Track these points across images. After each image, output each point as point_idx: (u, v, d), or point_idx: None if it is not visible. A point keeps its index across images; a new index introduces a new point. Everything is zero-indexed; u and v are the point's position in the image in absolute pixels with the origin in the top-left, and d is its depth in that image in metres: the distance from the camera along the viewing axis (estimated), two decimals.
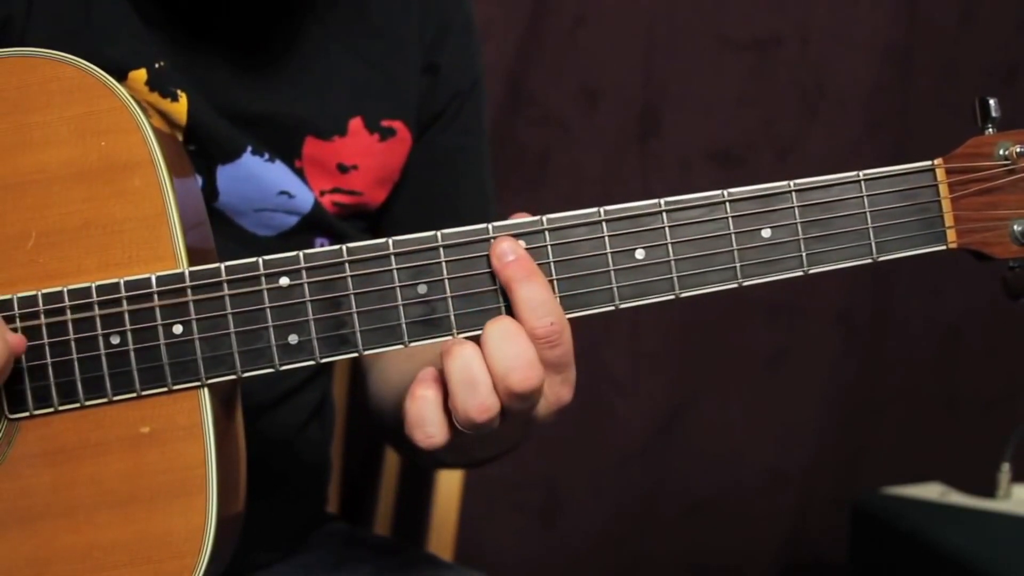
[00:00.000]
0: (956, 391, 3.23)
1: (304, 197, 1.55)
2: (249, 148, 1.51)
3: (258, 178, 1.52)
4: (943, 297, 3.16)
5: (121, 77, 1.44)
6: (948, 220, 1.30)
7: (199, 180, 1.46)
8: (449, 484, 2.05)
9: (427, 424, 1.27)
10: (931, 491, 2.62)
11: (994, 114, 1.31)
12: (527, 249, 1.26)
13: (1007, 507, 2.52)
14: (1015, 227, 1.30)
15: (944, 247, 1.31)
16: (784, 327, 3.08)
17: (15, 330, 1.25)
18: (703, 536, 3.11)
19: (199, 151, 1.48)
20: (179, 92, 1.47)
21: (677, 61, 2.96)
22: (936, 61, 3.08)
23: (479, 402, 1.23)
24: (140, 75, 1.45)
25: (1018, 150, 1.29)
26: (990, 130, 1.31)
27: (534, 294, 1.24)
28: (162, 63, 1.46)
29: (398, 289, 1.26)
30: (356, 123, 1.58)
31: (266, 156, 1.52)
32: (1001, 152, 1.30)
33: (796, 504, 3.16)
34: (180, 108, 1.47)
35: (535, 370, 1.23)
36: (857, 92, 3.06)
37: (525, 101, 2.87)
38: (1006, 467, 2.55)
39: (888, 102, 3.06)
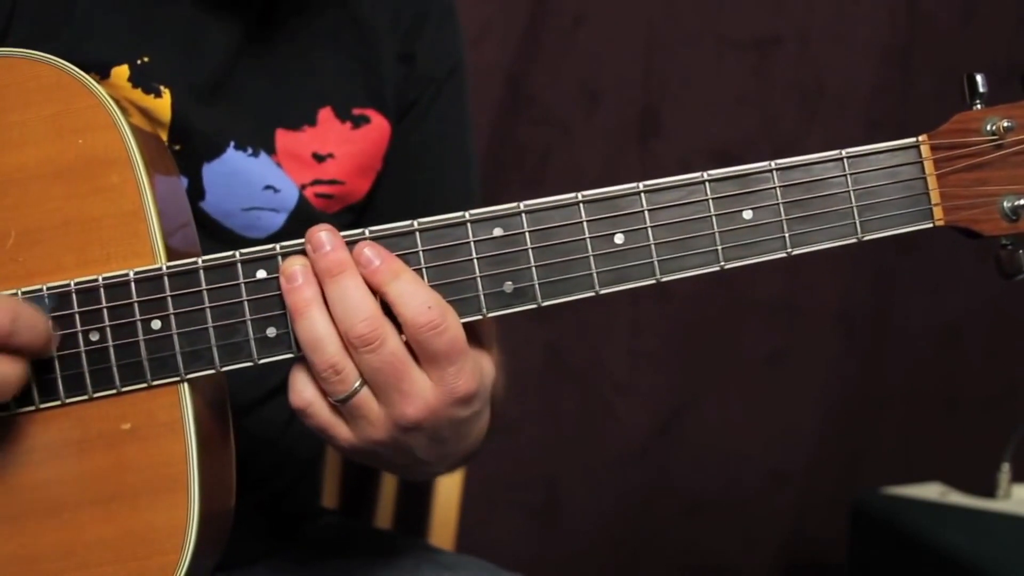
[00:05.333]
0: (956, 391, 3.22)
1: (289, 191, 1.56)
2: (232, 143, 1.51)
3: (243, 173, 1.52)
4: (943, 297, 3.16)
5: (104, 74, 1.44)
6: (934, 197, 1.28)
7: (184, 181, 1.46)
8: (449, 484, 2.05)
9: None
10: (931, 491, 2.62)
11: (981, 89, 1.28)
12: (506, 236, 1.26)
13: (1007, 507, 2.51)
14: (1004, 203, 1.28)
15: (931, 224, 1.28)
16: (784, 327, 3.08)
17: None
18: (703, 536, 3.11)
19: (184, 150, 1.48)
20: (162, 88, 1.47)
21: (677, 61, 2.96)
22: (936, 61, 3.07)
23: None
24: (123, 71, 1.46)
25: (1006, 124, 1.27)
26: (978, 105, 1.28)
27: (407, 287, 1.23)
28: (145, 59, 1.47)
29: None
30: (325, 112, 1.58)
31: (249, 151, 1.52)
32: (988, 127, 1.27)
33: (796, 504, 3.15)
34: (164, 104, 1.47)
35: (376, 320, 1.23)
36: (857, 92, 3.05)
37: (525, 101, 2.88)
38: (1006, 467, 2.54)
39: (888, 102, 3.06)
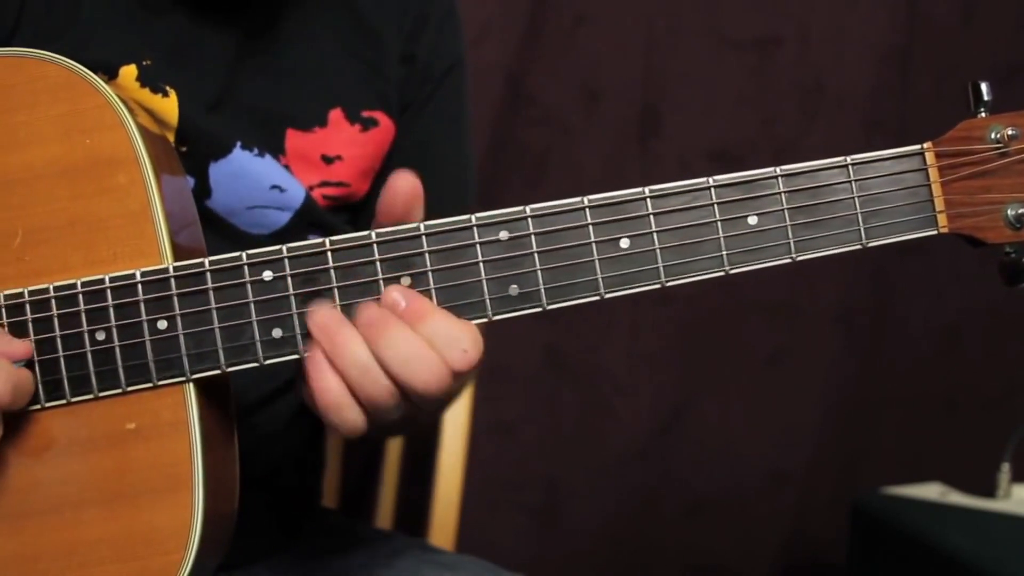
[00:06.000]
0: (956, 391, 3.22)
1: (295, 191, 1.56)
2: (239, 143, 1.51)
3: (250, 173, 1.52)
4: (943, 297, 3.16)
5: (112, 74, 1.45)
6: (939, 204, 1.28)
7: (191, 181, 1.47)
8: (449, 484, 2.05)
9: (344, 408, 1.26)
10: (931, 491, 2.62)
11: (986, 97, 1.29)
12: (512, 239, 1.26)
13: (1007, 507, 2.51)
14: (1009, 211, 1.28)
15: (935, 232, 1.29)
16: (784, 327, 3.08)
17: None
18: (703, 536, 3.10)
19: (191, 151, 1.48)
20: (169, 88, 1.47)
21: (677, 61, 2.95)
22: (936, 61, 3.07)
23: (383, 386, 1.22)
24: (130, 71, 1.46)
25: (1010, 132, 1.27)
26: (982, 113, 1.29)
27: (438, 329, 1.23)
28: (151, 60, 1.47)
29: (381, 281, 1.25)
30: (336, 114, 1.59)
31: (256, 151, 1.53)
32: (993, 135, 1.28)
33: (796, 504, 3.15)
34: (170, 104, 1.47)
35: (438, 368, 1.22)
36: (857, 92, 3.05)
37: (525, 101, 2.87)
38: (1006, 467, 2.55)
39: (888, 102, 3.06)
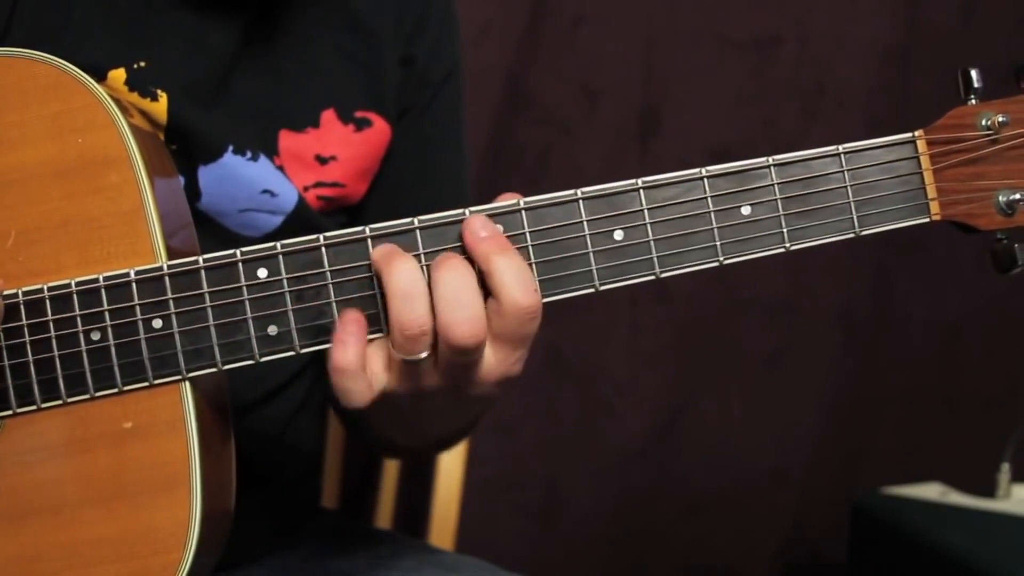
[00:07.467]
0: (956, 391, 3.21)
1: (288, 195, 1.55)
2: (231, 147, 1.51)
3: (240, 177, 1.52)
4: (943, 297, 3.15)
5: (100, 77, 1.44)
6: (931, 192, 1.30)
7: (181, 180, 1.47)
8: (449, 484, 2.06)
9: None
10: (931, 491, 2.62)
11: (976, 84, 1.31)
12: (507, 233, 1.26)
13: (1007, 507, 2.51)
14: (1000, 198, 1.30)
15: (927, 219, 1.30)
16: (784, 326, 3.08)
17: None
18: (703, 536, 3.10)
19: (180, 150, 1.48)
20: (159, 92, 1.47)
21: (677, 61, 2.95)
22: (936, 61, 3.07)
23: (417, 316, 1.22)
24: (119, 75, 1.46)
25: (1000, 119, 1.29)
26: (973, 101, 1.30)
27: (516, 265, 1.23)
28: (142, 63, 1.47)
29: (375, 277, 1.26)
30: (328, 115, 1.58)
31: (248, 155, 1.52)
32: (984, 122, 1.30)
33: (796, 504, 3.15)
34: (160, 108, 1.47)
35: (480, 325, 1.23)
36: (857, 92, 3.05)
37: (525, 101, 2.87)
38: (1006, 467, 2.55)
39: (888, 102, 3.06)
